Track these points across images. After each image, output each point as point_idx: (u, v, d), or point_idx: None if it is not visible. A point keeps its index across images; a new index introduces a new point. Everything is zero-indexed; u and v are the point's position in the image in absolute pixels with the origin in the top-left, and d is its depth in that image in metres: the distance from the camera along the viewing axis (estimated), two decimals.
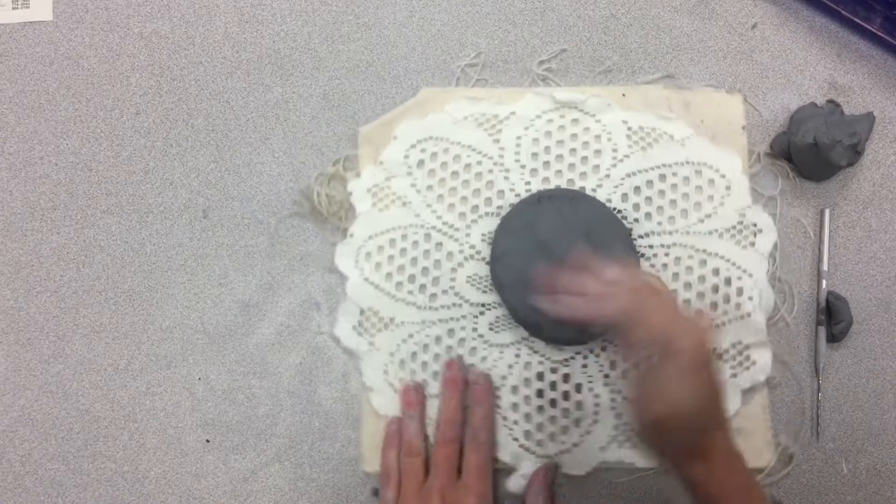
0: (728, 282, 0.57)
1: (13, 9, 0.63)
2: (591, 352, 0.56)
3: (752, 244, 0.57)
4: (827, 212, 0.58)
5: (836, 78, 0.61)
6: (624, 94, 0.60)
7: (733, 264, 0.57)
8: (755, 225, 0.58)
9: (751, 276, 0.57)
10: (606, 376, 0.56)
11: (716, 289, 0.57)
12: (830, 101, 0.59)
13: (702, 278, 0.57)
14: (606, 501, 0.56)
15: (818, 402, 0.56)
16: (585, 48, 0.61)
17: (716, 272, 0.57)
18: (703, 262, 0.57)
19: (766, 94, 0.60)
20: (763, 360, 0.56)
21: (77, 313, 0.59)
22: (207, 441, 0.57)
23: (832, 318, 0.57)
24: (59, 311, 0.59)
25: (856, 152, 0.57)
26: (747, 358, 0.56)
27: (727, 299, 0.56)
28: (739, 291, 0.56)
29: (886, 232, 0.59)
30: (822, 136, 0.56)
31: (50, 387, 0.58)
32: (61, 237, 0.60)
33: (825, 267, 0.58)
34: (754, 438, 0.55)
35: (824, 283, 0.58)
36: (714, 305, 0.56)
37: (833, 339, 0.57)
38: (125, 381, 0.58)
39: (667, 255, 0.57)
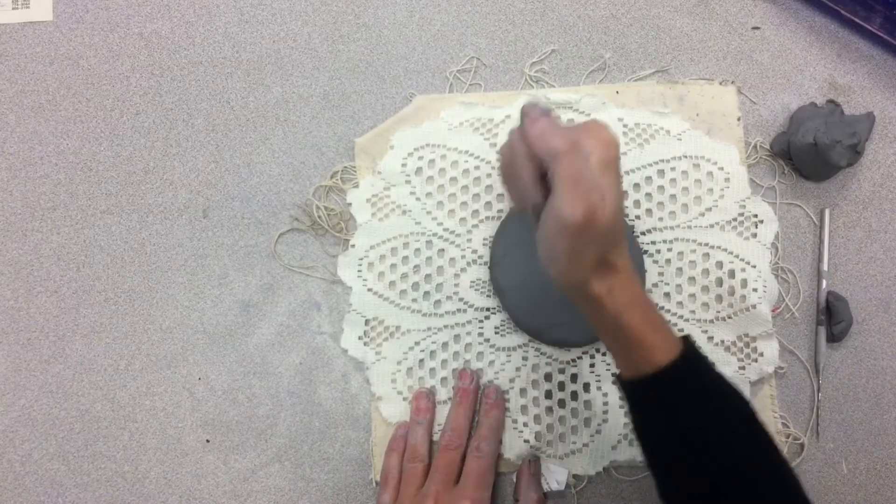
0: (732, 274, 0.57)
1: (13, 9, 0.63)
2: (598, 351, 0.56)
3: (754, 235, 0.58)
4: (827, 212, 0.58)
5: (836, 78, 0.61)
6: (618, 92, 0.60)
7: (736, 256, 0.57)
8: (756, 216, 0.58)
9: (754, 267, 0.57)
10: (614, 375, 0.56)
11: (720, 282, 0.57)
12: (830, 101, 0.59)
13: (706, 272, 0.57)
14: (611, 500, 0.56)
15: (818, 402, 0.56)
16: (585, 48, 0.61)
17: (719, 265, 0.57)
18: (707, 256, 0.57)
19: (766, 94, 0.60)
20: (770, 351, 0.56)
21: (77, 313, 0.59)
22: (207, 441, 0.57)
23: (832, 318, 0.57)
24: (59, 311, 0.59)
25: (856, 152, 0.57)
26: (754, 350, 0.56)
27: (732, 292, 0.57)
28: (744, 283, 0.57)
29: (886, 232, 0.59)
30: (822, 136, 0.56)
31: (50, 387, 0.58)
32: (61, 237, 0.60)
33: (825, 267, 0.58)
34: None
35: (824, 283, 0.58)
36: (719, 298, 0.56)
37: (833, 339, 0.57)
38: (125, 381, 0.58)
39: (669, 250, 0.57)
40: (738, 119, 0.60)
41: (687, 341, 0.43)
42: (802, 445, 0.56)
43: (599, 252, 0.41)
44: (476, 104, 0.60)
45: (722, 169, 0.58)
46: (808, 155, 0.57)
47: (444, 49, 0.62)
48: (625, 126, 0.59)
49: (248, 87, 0.62)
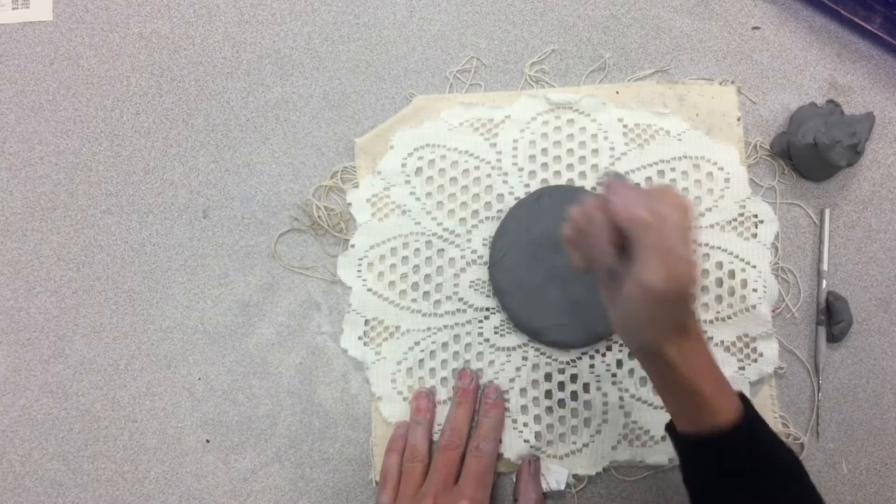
0: (732, 275, 0.57)
1: (13, 9, 0.63)
2: (598, 352, 0.56)
3: (754, 235, 0.58)
4: (827, 212, 0.58)
5: (836, 78, 0.61)
6: (618, 92, 0.60)
7: (736, 256, 0.57)
8: (756, 216, 0.58)
9: (754, 267, 0.57)
10: (614, 375, 0.56)
11: (720, 282, 0.57)
12: (830, 101, 0.59)
13: (706, 272, 0.57)
14: (611, 500, 0.56)
15: (818, 402, 0.56)
16: (585, 48, 0.61)
17: (719, 266, 0.57)
18: (707, 256, 0.57)
19: (766, 94, 0.60)
20: (770, 351, 0.56)
21: (77, 313, 0.59)
22: (207, 441, 0.57)
23: (832, 318, 0.57)
24: (59, 311, 0.59)
25: (856, 152, 0.57)
26: (754, 350, 0.56)
27: (732, 292, 0.57)
28: (744, 283, 0.57)
29: (886, 232, 0.59)
30: (821, 136, 0.56)
31: (50, 387, 0.58)
32: (61, 237, 0.60)
33: (825, 267, 0.58)
34: None
35: (824, 283, 0.58)
36: (719, 299, 0.56)
37: (833, 339, 0.57)
38: (125, 381, 0.58)
39: None
40: (738, 119, 0.60)
41: (745, 401, 0.44)
42: (802, 445, 0.56)
43: (677, 317, 0.42)
44: (476, 104, 0.60)
45: (722, 169, 0.58)
46: (808, 155, 0.57)
47: (444, 49, 0.62)
48: (625, 126, 0.59)
49: (248, 87, 0.62)
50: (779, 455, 0.44)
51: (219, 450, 0.57)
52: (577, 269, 0.47)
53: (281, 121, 0.61)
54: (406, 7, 0.62)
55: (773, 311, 0.57)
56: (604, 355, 0.56)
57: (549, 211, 0.56)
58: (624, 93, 0.60)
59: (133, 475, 0.57)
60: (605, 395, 0.55)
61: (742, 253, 0.57)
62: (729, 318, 0.56)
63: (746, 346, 0.56)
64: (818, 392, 0.57)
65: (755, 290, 0.56)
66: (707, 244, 0.57)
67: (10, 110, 0.62)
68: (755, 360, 0.56)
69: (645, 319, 0.42)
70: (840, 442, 0.56)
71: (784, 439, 0.55)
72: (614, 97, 0.60)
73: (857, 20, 0.60)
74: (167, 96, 0.62)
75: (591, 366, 0.56)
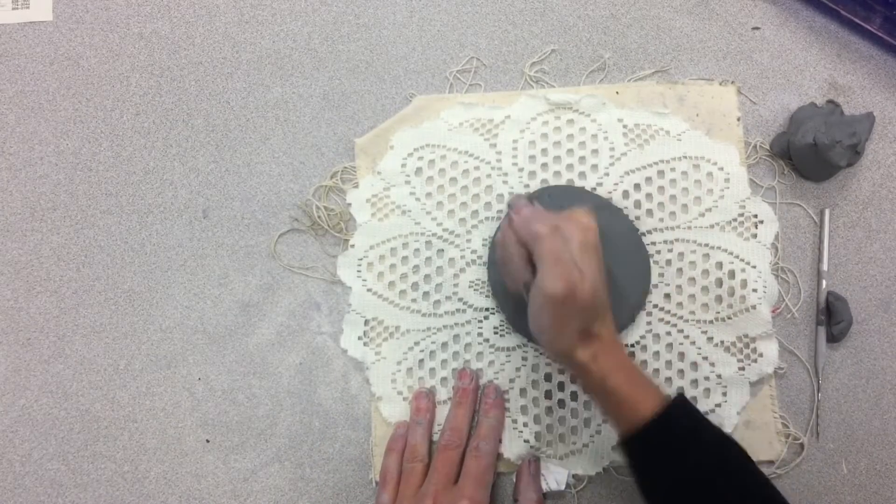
0: (732, 275, 0.57)
1: (13, 9, 0.63)
2: None
3: (754, 235, 0.57)
4: (827, 212, 0.58)
5: (836, 78, 0.61)
6: (618, 92, 0.60)
7: (737, 257, 0.57)
8: (756, 216, 0.58)
9: (754, 267, 0.57)
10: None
11: (720, 282, 0.57)
12: (830, 102, 0.59)
13: (706, 273, 0.57)
14: (611, 500, 0.56)
15: (818, 402, 0.56)
16: (585, 48, 0.61)
17: (719, 266, 0.57)
18: (707, 257, 0.57)
19: (766, 94, 0.60)
20: (770, 352, 0.56)
21: (77, 313, 0.59)
22: (207, 441, 0.57)
23: (832, 318, 0.57)
24: (59, 311, 0.59)
25: (856, 152, 0.57)
26: (754, 350, 0.56)
27: (732, 292, 0.57)
28: (744, 284, 0.57)
29: (886, 232, 0.59)
30: (821, 137, 0.56)
31: (50, 387, 0.58)
32: (61, 237, 0.60)
33: (825, 267, 0.58)
34: (763, 430, 0.56)
35: (824, 283, 0.58)
36: (719, 299, 0.56)
37: (833, 339, 0.57)
38: (125, 381, 0.58)
39: (670, 251, 0.57)
40: (738, 119, 0.60)
41: (678, 398, 0.47)
42: (802, 445, 0.56)
43: (582, 324, 0.45)
44: (476, 104, 0.60)
45: (722, 169, 0.58)
46: (808, 155, 0.57)
47: (444, 49, 0.62)
48: (625, 126, 0.59)
49: (248, 87, 0.62)
50: (707, 440, 0.46)
51: (219, 450, 0.57)
52: (512, 291, 0.50)
53: (281, 121, 0.61)
54: (406, 7, 0.62)
55: (773, 311, 0.57)
56: None
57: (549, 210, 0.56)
58: (624, 93, 0.60)
59: (133, 475, 0.57)
60: None
61: (742, 253, 0.57)
62: (729, 318, 0.56)
63: (746, 346, 0.56)
64: (818, 392, 0.57)
65: (755, 291, 0.56)
66: (707, 244, 0.57)
67: (10, 110, 0.62)
68: (755, 361, 0.56)
69: (549, 324, 0.45)
70: (840, 442, 0.56)
71: (784, 439, 0.56)
72: (614, 97, 0.60)
73: (857, 20, 0.60)
74: (167, 96, 0.62)
75: None
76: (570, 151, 0.59)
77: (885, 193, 0.59)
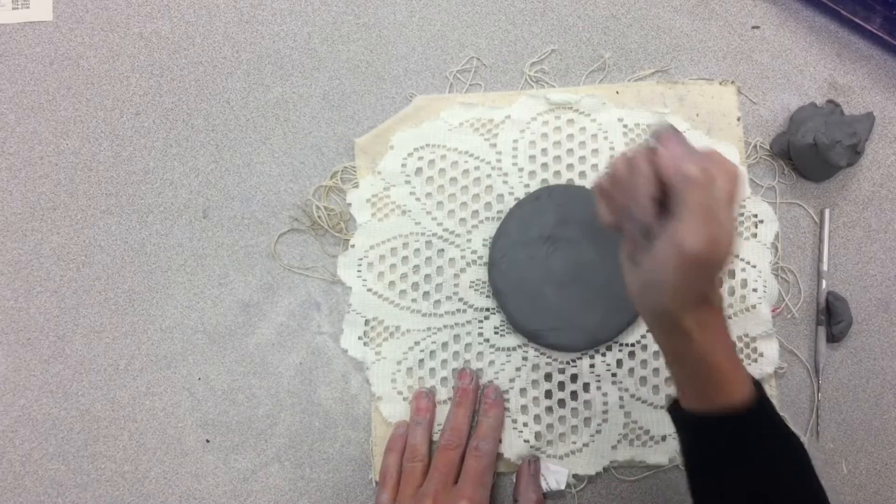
0: (732, 274, 0.57)
1: (13, 9, 0.63)
2: (598, 352, 0.56)
3: (754, 235, 0.57)
4: (827, 212, 0.58)
5: (836, 78, 0.61)
6: (618, 92, 0.60)
7: (736, 256, 0.57)
8: (756, 216, 0.58)
9: (754, 266, 0.57)
10: (614, 375, 0.56)
11: (720, 283, 0.57)
12: (830, 101, 0.59)
13: None
14: (611, 500, 0.56)
15: (818, 402, 0.56)
16: (585, 48, 0.61)
17: None
18: None
19: (766, 94, 0.60)
20: (770, 351, 0.56)
21: (77, 313, 0.59)
22: (207, 441, 0.57)
23: (832, 318, 0.57)
24: (59, 311, 0.59)
25: (856, 152, 0.57)
26: (755, 350, 0.56)
27: (732, 292, 0.57)
28: (744, 283, 0.57)
29: (886, 232, 0.59)
30: (821, 137, 0.56)
31: (50, 387, 0.58)
32: (61, 237, 0.60)
33: (825, 267, 0.58)
34: None
35: (824, 283, 0.58)
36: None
37: (833, 339, 0.57)
38: (125, 381, 0.58)
39: None
40: (738, 119, 0.60)
41: (758, 384, 0.43)
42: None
43: (705, 287, 0.40)
44: (476, 104, 0.60)
45: None
46: (808, 155, 0.57)
47: (444, 49, 0.62)
48: (625, 126, 0.59)
49: (248, 87, 0.62)
50: (789, 442, 0.43)
51: (219, 450, 0.57)
52: (605, 225, 0.44)
53: (281, 121, 0.61)
54: (406, 7, 0.62)
55: (773, 311, 0.57)
56: (604, 355, 0.56)
57: (548, 211, 0.56)
58: (624, 93, 0.60)
59: (133, 475, 0.57)
60: (605, 394, 0.55)
61: (742, 253, 0.57)
62: (729, 318, 0.56)
63: (747, 346, 0.56)
64: (818, 392, 0.57)
65: (755, 290, 0.56)
66: None
67: (10, 110, 0.62)
68: (755, 360, 0.56)
69: (670, 283, 0.39)
70: (840, 442, 0.56)
71: None
72: (614, 97, 0.60)
73: (857, 20, 0.60)
74: (167, 96, 0.62)
75: (592, 365, 0.56)
76: (570, 151, 0.59)
77: (885, 193, 0.59)
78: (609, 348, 0.56)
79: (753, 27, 0.61)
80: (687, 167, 0.38)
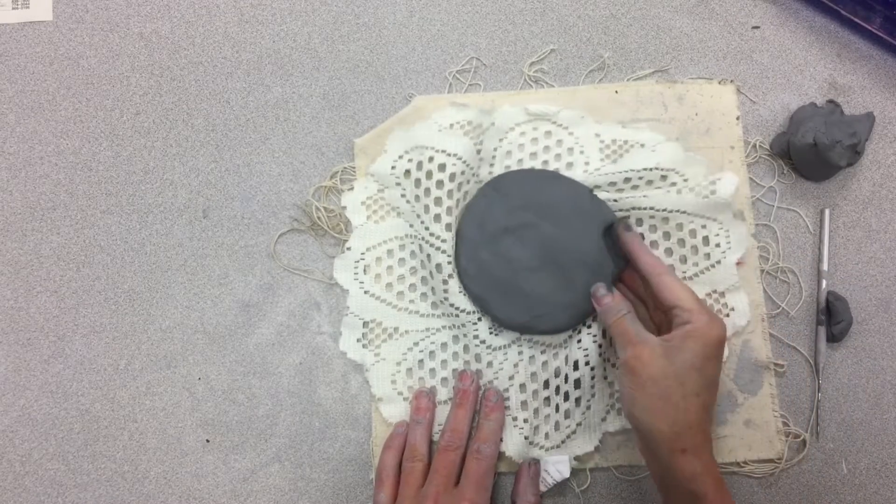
0: (693, 234, 0.56)
1: (13, 9, 0.63)
2: (585, 324, 0.55)
3: (713, 192, 0.55)
4: (827, 212, 0.58)
5: (836, 78, 0.61)
6: (617, 91, 0.60)
7: (695, 215, 0.56)
8: (713, 183, 0.55)
9: (714, 220, 0.56)
10: (600, 346, 0.55)
11: (682, 243, 0.56)
12: (830, 101, 0.59)
13: (667, 235, 0.56)
14: (611, 500, 0.56)
15: (818, 402, 0.56)
16: (585, 48, 0.61)
17: (679, 227, 0.56)
18: (665, 220, 0.56)
19: (766, 93, 0.60)
20: (741, 305, 0.56)
21: (77, 313, 0.59)
22: (207, 441, 0.57)
23: (832, 318, 0.57)
24: (59, 311, 0.59)
25: (855, 152, 0.57)
26: (725, 305, 0.56)
27: (696, 251, 0.56)
28: (706, 241, 0.56)
29: (886, 232, 0.59)
30: (821, 137, 0.56)
31: (50, 387, 0.58)
32: (61, 237, 0.60)
33: (825, 267, 0.58)
34: (763, 429, 0.56)
35: (824, 283, 0.58)
36: (683, 259, 0.56)
37: (833, 339, 0.57)
38: (125, 381, 0.58)
39: (628, 218, 0.56)
40: (738, 118, 0.60)
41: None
42: (805, 441, 0.56)
43: (705, 428, 0.46)
44: (468, 106, 0.59)
45: (686, 180, 0.56)
46: (807, 155, 0.57)
47: (443, 49, 0.62)
48: (602, 142, 0.58)
49: (248, 87, 0.62)
50: None
51: (219, 450, 0.57)
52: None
53: (281, 121, 0.61)
54: (406, 7, 0.62)
55: (738, 262, 0.56)
56: (589, 327, 0.55)
57: (497, 203, 0.55)
58: (623, 92, 0.60)
59: (133, 475, 0.57)
60: (592, 368, 0.54)
61: (701, 210, 0.56)
62: (696, 276, 0.56)
63: (717, 301, 0.56)
64: (818, 392, 0.57)
65: (718, 245, 0.56)
66: (665, 209, 0.55)
67: (10, 110, 0.62)
68: (727, 316, 0.56)
69: (713, 374, 0.46)
70: (840, 442, 0.56)
71: (784, 438, 0.56)
72: (594, 110, 0.59)
73: (857, 20, 0.60)
74: (167, 96, 0.62)
75: (579, 340, 0.55)
76: (545, 163, 0.58)
77: (885, 193, 0.59)
78: (595, 318, 0.55)
79: (753, 27, 0.61)
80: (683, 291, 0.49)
